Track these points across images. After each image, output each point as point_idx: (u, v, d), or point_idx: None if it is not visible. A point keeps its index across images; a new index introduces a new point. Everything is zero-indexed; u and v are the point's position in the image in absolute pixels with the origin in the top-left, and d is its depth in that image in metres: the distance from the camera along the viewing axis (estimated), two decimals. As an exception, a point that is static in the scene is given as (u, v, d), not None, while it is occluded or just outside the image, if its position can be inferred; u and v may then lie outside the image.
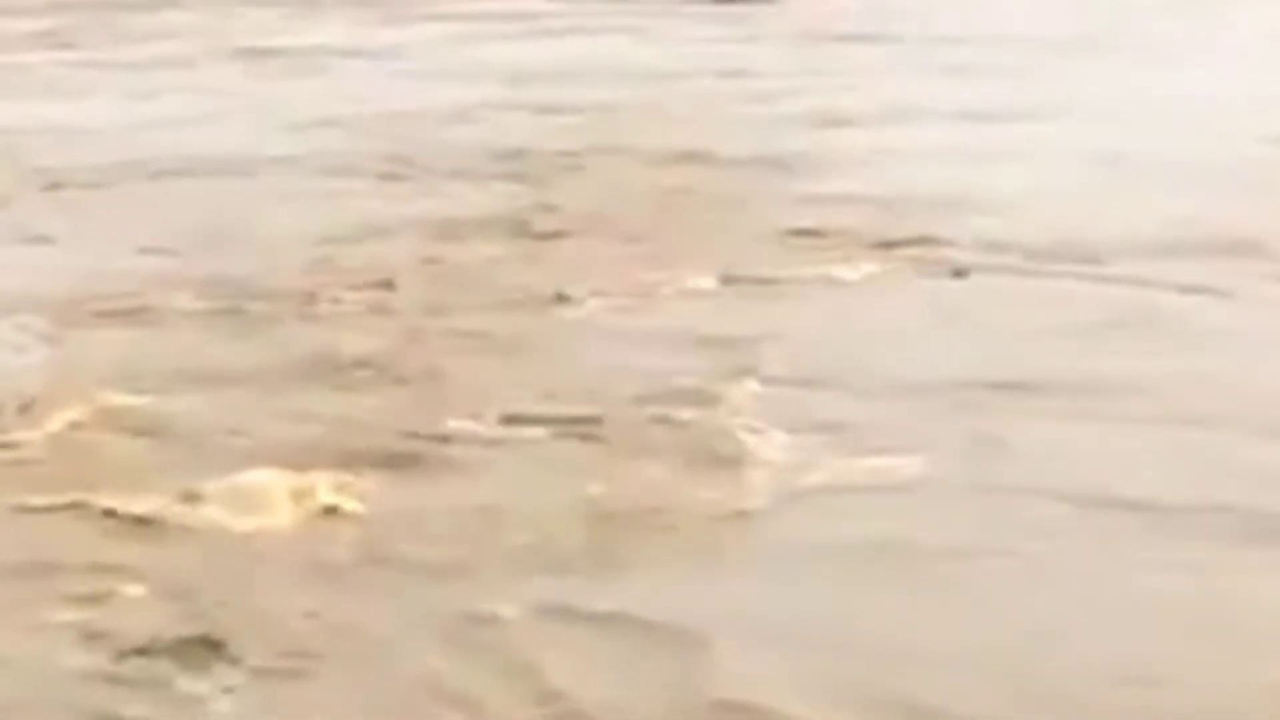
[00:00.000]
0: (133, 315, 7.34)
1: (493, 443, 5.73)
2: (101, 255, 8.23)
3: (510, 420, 5.88)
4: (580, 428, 5.84)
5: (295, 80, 12.90)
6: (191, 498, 5.29)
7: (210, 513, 5.22)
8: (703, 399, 6.05)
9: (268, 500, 5.28)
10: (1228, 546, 4.98)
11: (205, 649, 4.27)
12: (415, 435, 5.80)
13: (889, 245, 8.18)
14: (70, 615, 4.56)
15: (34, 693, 4.35)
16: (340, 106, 11.71)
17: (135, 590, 4.67)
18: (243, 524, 5.13)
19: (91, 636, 4.42)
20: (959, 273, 7.68)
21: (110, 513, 5.17)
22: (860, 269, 7.81)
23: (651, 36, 14.61)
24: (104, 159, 10.11)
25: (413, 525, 5.04)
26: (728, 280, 7.55)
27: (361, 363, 6.62)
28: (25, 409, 6.17)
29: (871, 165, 9.88)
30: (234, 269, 7.83)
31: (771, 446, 5.61)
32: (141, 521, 5.10)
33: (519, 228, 8.65)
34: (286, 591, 4.67)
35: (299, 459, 5.54)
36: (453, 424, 5.88)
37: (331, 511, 5.14)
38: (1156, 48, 13.84)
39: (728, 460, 5.54)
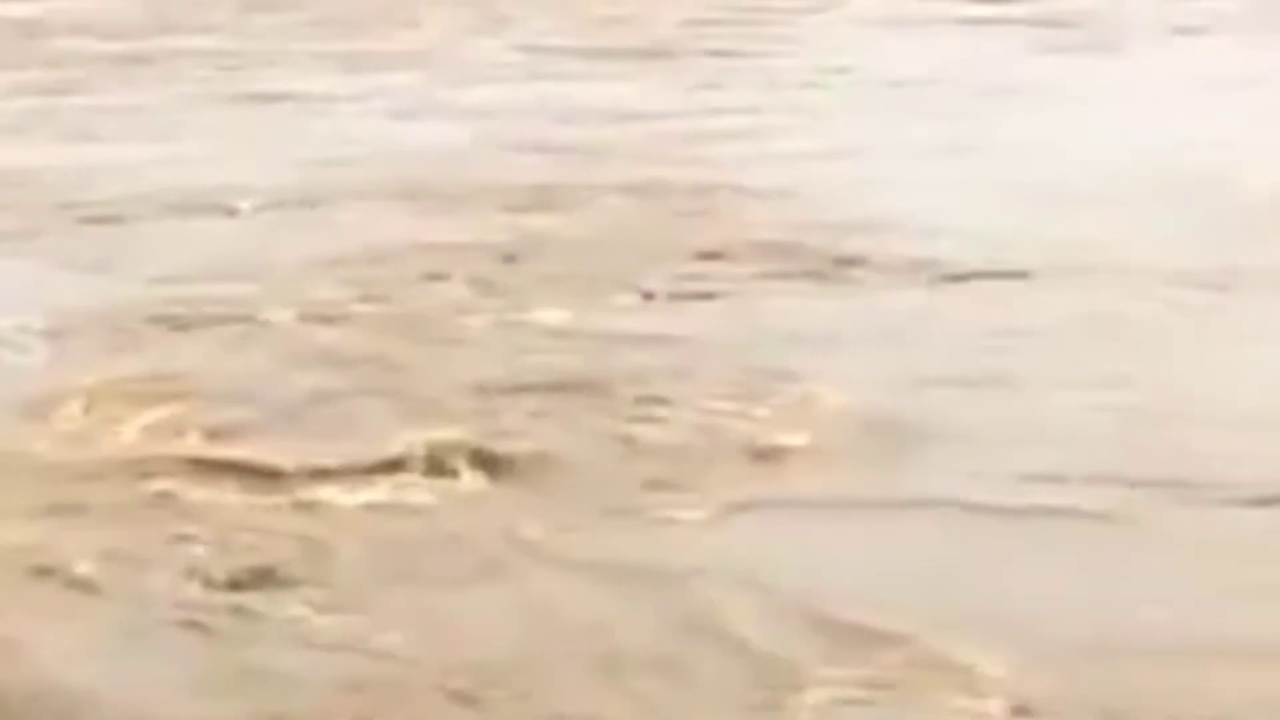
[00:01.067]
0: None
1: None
2: (133, 279, 8.32)
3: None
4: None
5: (297, 121, 12.84)
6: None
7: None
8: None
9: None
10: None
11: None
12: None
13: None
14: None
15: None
16: (340, 145, 11.71)
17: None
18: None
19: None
20: None
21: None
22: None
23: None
24: (122, 193, 10.08)
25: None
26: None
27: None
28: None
29: (814, 194, 9.98)
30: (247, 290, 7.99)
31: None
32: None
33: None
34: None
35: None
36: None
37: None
38: (1073, 90, 13.88)
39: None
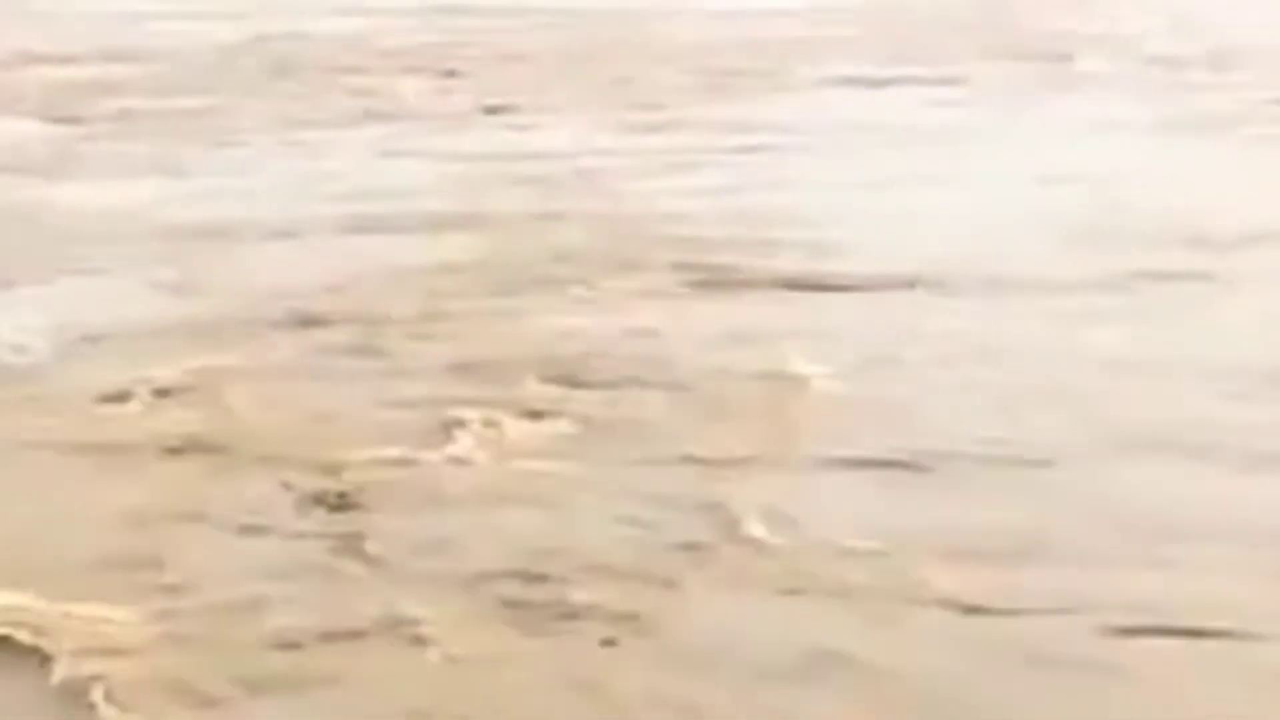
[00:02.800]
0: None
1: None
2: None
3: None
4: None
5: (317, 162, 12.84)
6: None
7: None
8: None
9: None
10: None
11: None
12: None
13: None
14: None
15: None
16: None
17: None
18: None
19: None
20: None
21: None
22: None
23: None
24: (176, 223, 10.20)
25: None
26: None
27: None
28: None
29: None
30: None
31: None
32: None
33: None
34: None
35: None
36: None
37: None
38: (991, 133, 14.10)
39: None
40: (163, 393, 6.64)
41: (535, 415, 6.33)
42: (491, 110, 15.93)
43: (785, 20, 27.65)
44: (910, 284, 8.47)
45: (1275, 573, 4.84)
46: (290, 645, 4.35)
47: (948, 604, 4.60)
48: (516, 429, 6.19)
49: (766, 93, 17.02)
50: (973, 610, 4.56)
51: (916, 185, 11.66)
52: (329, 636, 4.40)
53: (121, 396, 6.59)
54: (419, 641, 4.38)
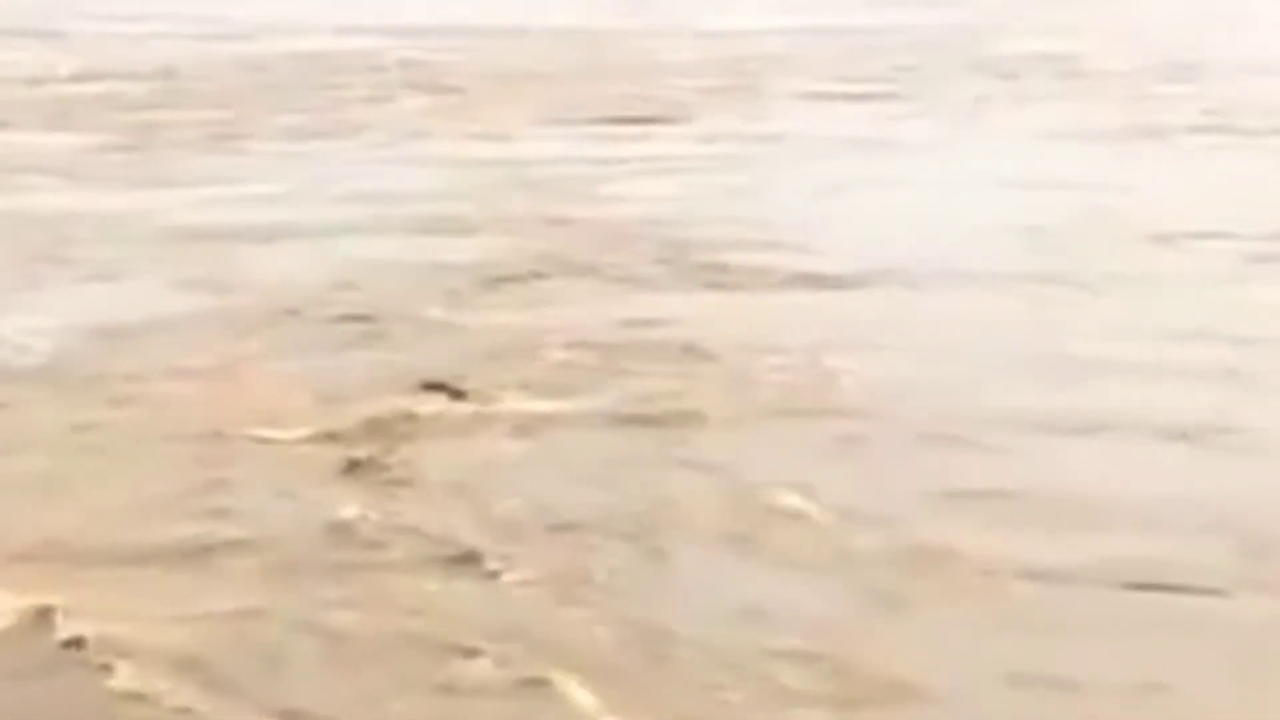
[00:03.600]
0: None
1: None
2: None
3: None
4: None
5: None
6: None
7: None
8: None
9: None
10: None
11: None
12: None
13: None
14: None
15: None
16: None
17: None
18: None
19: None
20: None
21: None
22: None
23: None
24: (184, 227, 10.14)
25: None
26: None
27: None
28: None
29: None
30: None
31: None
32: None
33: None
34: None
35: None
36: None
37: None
38: (951, 144, 14.07)
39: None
40: (188, 379, 6.65)
41: (537, 390, 6.43)
42: (484, 123, 15.75)
43: (762, 41, 27.70)
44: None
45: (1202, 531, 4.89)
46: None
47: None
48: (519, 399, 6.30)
49: (743, 106, 16.98)
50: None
51: (881, 190, 11.67)
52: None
53: (146, 384, 6.59)
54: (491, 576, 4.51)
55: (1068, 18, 35.30)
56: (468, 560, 4.59)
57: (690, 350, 7.08)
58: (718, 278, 8.63)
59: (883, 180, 12.09)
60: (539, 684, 3.82)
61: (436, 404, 6.21)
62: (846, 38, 28.42)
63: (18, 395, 6.47)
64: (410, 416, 6.04)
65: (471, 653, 4.00)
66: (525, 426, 5.95)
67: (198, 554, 4.69)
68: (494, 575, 4.52)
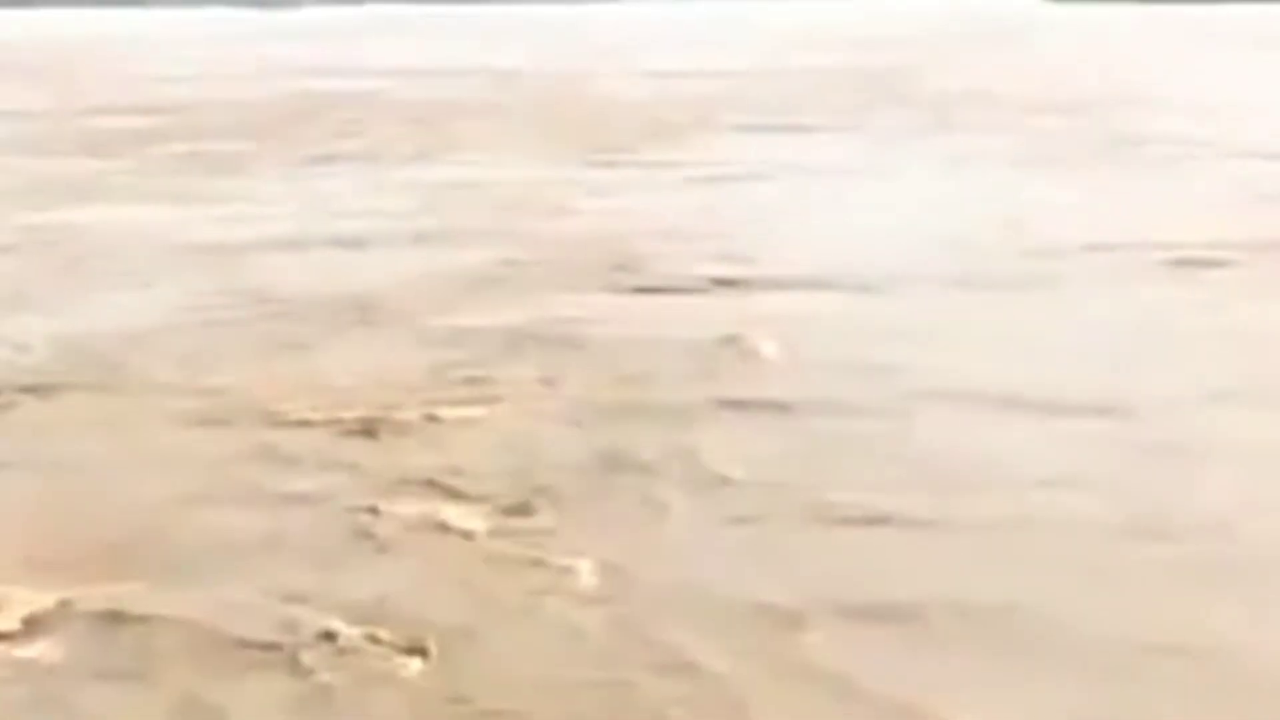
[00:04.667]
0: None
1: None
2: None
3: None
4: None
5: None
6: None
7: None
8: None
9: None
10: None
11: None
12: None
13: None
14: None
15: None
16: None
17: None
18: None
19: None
20: None
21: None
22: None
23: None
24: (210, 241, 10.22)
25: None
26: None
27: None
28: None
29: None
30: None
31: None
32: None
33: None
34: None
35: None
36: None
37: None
38: (878, 168, 14.00)
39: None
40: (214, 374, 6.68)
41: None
42: (457, 152, 15.88)
43: (709, 79, 27.79)
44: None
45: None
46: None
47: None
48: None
49: (693, 136, 17.07)
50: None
51: (817, 208, 11.74)
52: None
53: (172, 378, 6.59)
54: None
55: (983, 60, 35.46)
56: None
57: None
58: (663, 283, 8.68)
59: (819, 200, 12.15)
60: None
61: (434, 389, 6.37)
62: (785, 77, 28.53)
63: (48, 390, 6.45)
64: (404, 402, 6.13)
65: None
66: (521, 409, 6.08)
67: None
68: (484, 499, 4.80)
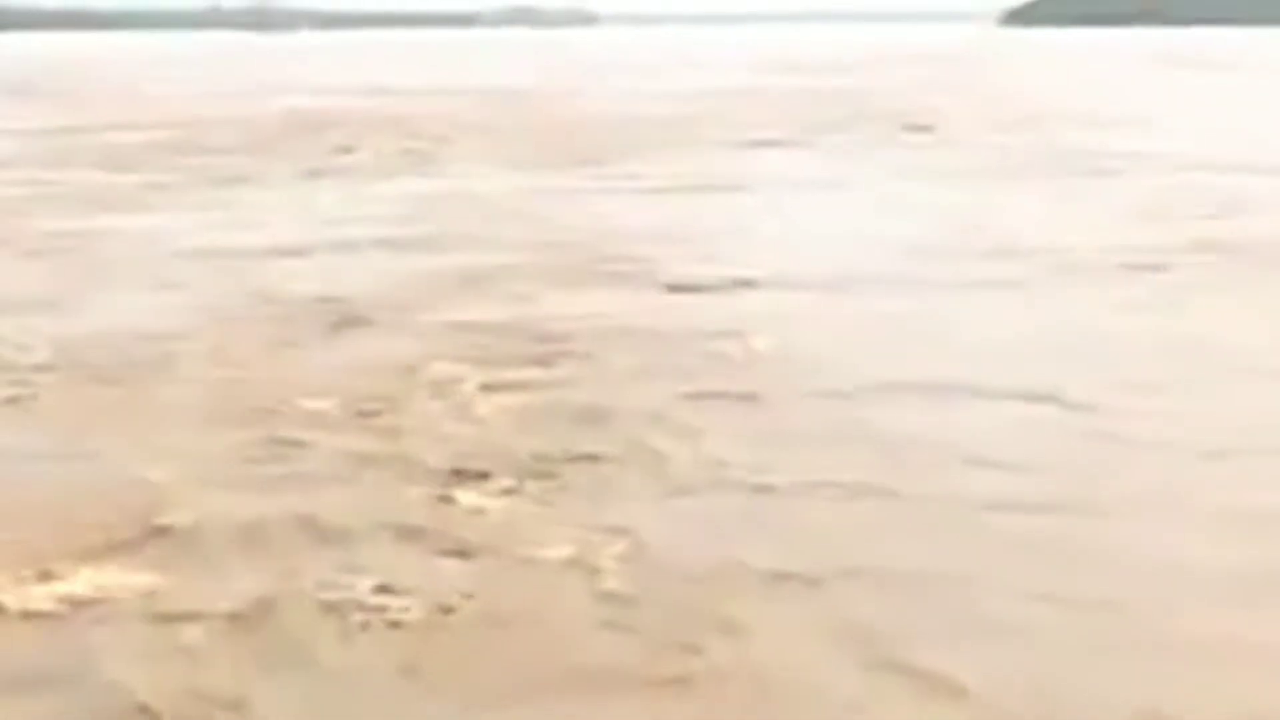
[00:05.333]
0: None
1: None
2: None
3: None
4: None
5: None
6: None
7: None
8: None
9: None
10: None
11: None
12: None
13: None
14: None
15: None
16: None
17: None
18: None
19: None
20: None
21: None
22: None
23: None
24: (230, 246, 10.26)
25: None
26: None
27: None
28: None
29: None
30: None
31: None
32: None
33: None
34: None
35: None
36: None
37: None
38: (844, 178, 14.09)
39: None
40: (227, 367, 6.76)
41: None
42: (444, 164, 15.97)
43: (685, 98, 27.98)
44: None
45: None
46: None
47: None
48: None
49: (670, 150, 17.14)
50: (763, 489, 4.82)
51: (787, 217, 11.82)
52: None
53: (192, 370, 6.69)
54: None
55: (940, 80, 35.67)
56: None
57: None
58: (641, 283, 8.75)
59: (788, 209, 12.24)
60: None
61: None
62: (756, 97, 28.70)
63: (71, 383, 6.49)
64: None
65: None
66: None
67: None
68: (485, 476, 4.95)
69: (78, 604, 3.92)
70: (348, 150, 17.75)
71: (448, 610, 3.87)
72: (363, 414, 5.80)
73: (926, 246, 10.03)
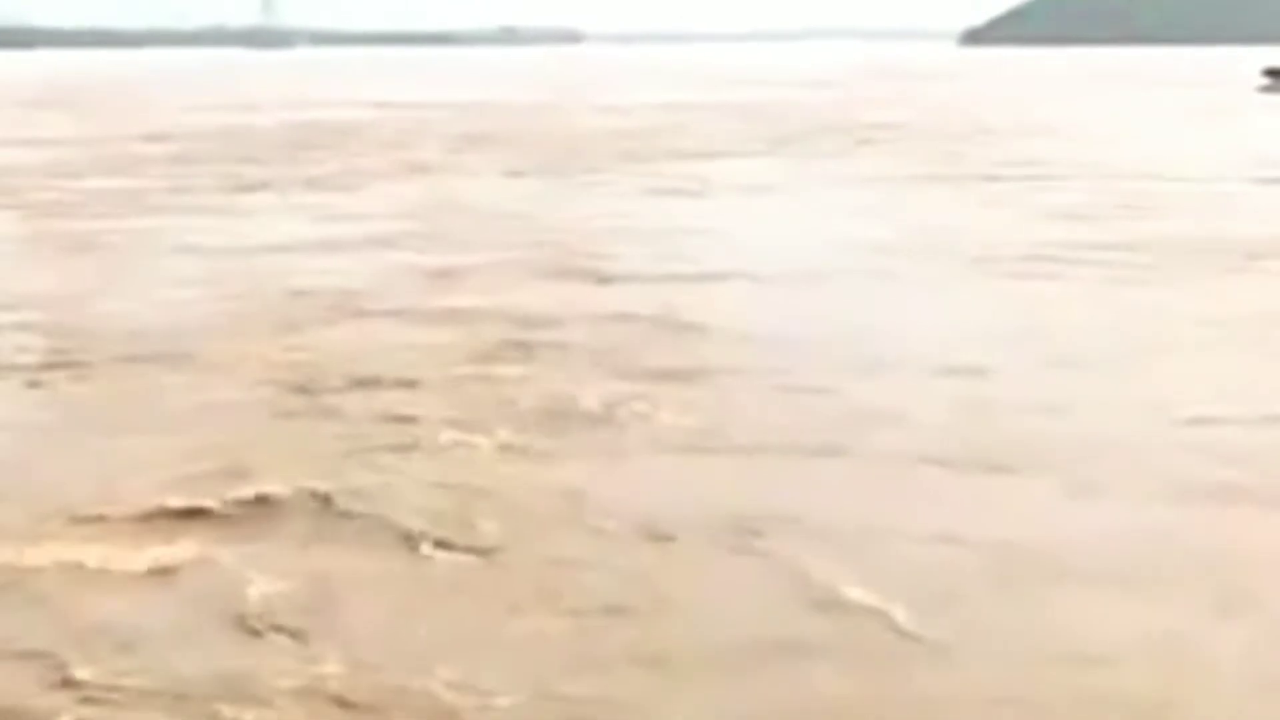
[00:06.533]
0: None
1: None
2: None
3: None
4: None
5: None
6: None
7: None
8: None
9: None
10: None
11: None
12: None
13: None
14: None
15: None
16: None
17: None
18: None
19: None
20: None
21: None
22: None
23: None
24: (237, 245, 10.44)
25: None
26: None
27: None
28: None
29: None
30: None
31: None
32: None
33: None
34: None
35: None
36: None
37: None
38: (798, 183, 14.17)
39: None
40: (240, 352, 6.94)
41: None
42: (433, 171, 16.07)
43: (660, 111, 28.22)
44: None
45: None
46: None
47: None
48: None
49: (637, 163, 17.12)
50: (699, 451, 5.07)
51: (744, 217, 12.03)
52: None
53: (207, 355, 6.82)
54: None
55: (900, 95, 35.94)
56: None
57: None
58: (615, 276, 8.93)
59: (754, 211, 12.43)
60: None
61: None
62: (732, 110, 28.94)
63: (104, 365, 6.60)
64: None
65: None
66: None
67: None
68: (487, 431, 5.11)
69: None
70: (346, 158, 17.90)
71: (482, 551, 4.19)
72: (359, 382, 6.09)
73: (878, 244, 10.20)
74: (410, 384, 6.16)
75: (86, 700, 3.27)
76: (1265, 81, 36.72)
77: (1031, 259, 9.58)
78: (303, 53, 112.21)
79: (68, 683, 3.34)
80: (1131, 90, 37.31)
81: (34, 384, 6.24)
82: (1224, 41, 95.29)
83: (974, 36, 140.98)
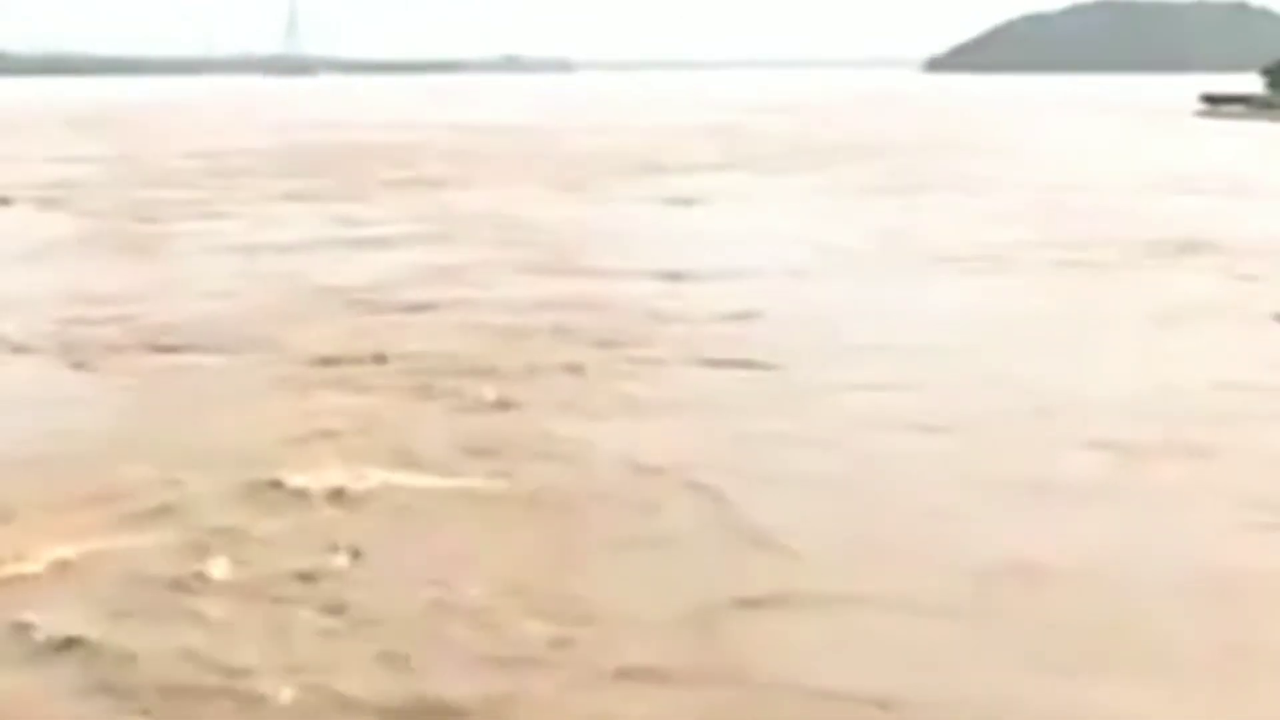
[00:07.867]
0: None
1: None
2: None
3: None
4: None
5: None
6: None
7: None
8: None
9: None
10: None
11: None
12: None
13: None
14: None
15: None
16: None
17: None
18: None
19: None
20: None
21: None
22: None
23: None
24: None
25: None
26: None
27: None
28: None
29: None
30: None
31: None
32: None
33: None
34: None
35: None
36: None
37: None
38: (768, 193, 14.34)
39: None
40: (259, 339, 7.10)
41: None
42: (449, 186, 16.09)
43: (650, 133, 28.33)
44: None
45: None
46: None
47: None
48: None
49: (621, 179, 17.16)
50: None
51: (723, 223, 12.22)
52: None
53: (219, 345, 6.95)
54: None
55: (866, 117, 35.98)
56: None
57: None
58: (604, 273, 9.10)
59: (734, 216, 12.58)
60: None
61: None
62: (713, 131, 29.07)
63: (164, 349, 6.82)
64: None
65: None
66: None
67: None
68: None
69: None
70: (365, 174, 17.95)
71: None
72: (375, 358, 6.41)
73: (842, 248, 10.39)
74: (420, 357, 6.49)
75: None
76: (1202, 107, 37.13)
77: (983, 258, 9.84)
78: (324, 79, 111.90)
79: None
80: (1079, 114, 37.53)
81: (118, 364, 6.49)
82: (1169, 70, 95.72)
83: (937, 64, 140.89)
